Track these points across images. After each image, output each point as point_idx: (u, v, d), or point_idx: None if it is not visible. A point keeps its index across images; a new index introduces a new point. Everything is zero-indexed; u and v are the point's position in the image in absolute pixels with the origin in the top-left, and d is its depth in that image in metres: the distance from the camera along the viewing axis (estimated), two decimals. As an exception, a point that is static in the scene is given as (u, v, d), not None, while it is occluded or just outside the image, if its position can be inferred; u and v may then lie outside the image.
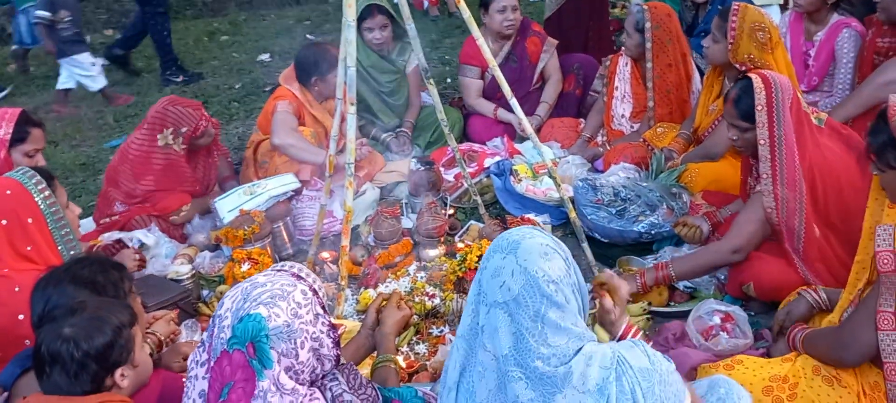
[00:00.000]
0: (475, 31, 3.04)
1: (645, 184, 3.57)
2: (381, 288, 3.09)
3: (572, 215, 3.22)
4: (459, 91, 4.92)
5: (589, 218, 3.45)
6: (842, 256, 2.75)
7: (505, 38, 4.61)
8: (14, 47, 6.86)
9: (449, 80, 5.87)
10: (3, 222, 2.34)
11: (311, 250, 3.31)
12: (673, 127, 4.01)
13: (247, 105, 5.71)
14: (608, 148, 4.17)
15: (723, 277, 3.02)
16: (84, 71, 5.80)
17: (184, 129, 3.55)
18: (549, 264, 1.57)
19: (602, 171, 3.91)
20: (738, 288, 2.86)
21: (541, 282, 1.55)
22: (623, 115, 4.30)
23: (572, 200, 3.47)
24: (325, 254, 3.36)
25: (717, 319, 2.64)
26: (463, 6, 2.98)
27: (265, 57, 6.89)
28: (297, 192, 3.76)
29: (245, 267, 3.10)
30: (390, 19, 4.40)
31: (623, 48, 4.28)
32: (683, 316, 2.79)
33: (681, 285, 3.05)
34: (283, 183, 3.74)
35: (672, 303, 3.01)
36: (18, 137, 2.97)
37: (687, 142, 3.86)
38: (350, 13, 2.77)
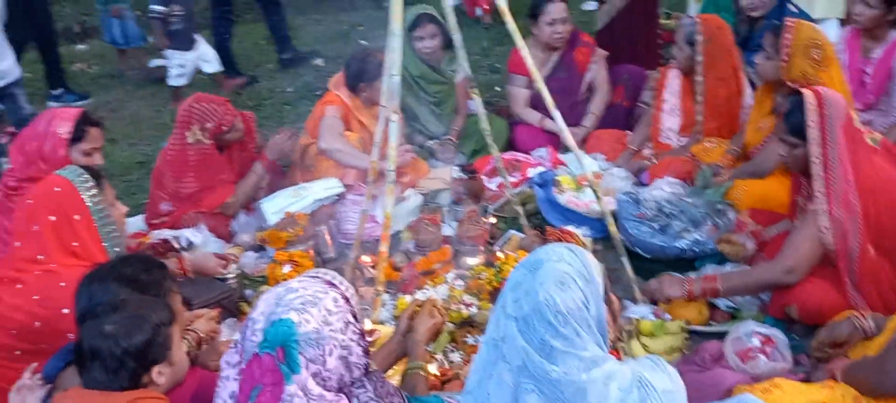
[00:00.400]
0: (519, 43, 3.05)
1: (690, 200, 3.51)
2: (418, 295, 3.11)
3: (612, 229, 3.20)
4: (507, 99, 4.92)
5: (631, 232, 3.41)
6: (893, 281, 2.68)
7: (553, 49, 4.60)
8: (127, 46, 6.92)
9: (497, 88, 5.87)
10: (52, 218, 2.43)
11: (352, 254, 3.36)
12: (722, 142, 3.93)
13: (298, 108, 5.81)
14: (654, 161, 4.12)
15: (766, 297, 2.96)
16: (172, 66, 6.06)
17: (209, 124, 3.64)
18: (563, 295, 1.56)
19: (647, 185, 3.87)
20: (781, 309, 2.79)
21: (546, 311, 1.55)
22: (671, 129, 4.24)
23: (614, 213, 3.45)
24: (365, 258, 3.40)
25: (756, 341, 2.58)
26: (508, 17, 2.99)
27: (318, 61, 7.00)
28: (341, 196, 3.82)
29: (286, 268, 3.16)
30: (441, 29, 4.44)
31: (673, 60, 4.22)
32: (723, 336, 2.74)
33: (722, 304, 3.00)
34: (327, 186, 3.81)
35: (712, 322, 2.96)
36: (77, 136, 3.07)
37: (736, 158, 3.78)
38: (396, 22, 2.80)
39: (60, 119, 3.08)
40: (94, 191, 2.49)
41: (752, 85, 4.10)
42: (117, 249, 2.53)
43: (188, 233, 3.45)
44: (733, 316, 2.99)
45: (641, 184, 3.98)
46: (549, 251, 1.67)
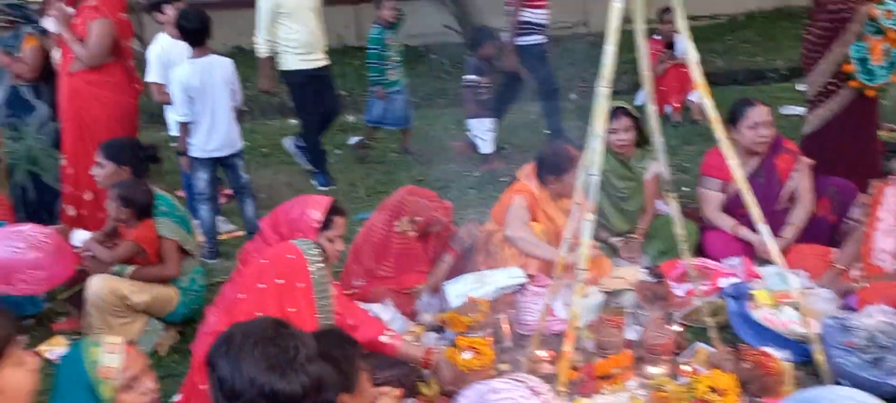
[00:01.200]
0: (725, 147, 2.96)
1: (909, 333, 3.16)
2: (597, 399, 3.01)
3: (819, 356, 2.94)
4: (695, 201, 4.75)
5: (836, 361, 3.12)
6: None
7: (754, 154, 4.40)
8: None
9: (684, 189, 5.68)
10: (279, 281, 2.63)
11: (530, 347, 3.33)
12: (948, 271, 3.54)
13: (482, 193, 5.94)
14: (865, 284, 3.76)
15: None
16: (481, 133, 6.56)
17: (418, 218, 3.83)
18: None
19: (855, 310, 3.53)
20: None
21: None
22: (885, 250, 3.87)
23: (820, 339, 3.17)
24: (542, 353, 3.36)
25: None
26: (717, 125, 2.91)
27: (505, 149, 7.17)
28: (524, 287, 3.82)
29: (467, 355, 3.17)
30: (635, 123, 4.41)
31: (891, 175, 3.89)
32: None
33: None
34: (511, 275, 3.83)
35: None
36: (325, 224, 3.27)
37: (965, 291, 3.38)
38: (599, 124, 2.82)
39: (313, 207, 3.30)
40: (321, 265, 2.69)
41: None
42: (328, 323, 2.67)
43: (377, 308, 3.59)
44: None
45: (848, 308, 3.65)
46: (837, 396, 1.54)
